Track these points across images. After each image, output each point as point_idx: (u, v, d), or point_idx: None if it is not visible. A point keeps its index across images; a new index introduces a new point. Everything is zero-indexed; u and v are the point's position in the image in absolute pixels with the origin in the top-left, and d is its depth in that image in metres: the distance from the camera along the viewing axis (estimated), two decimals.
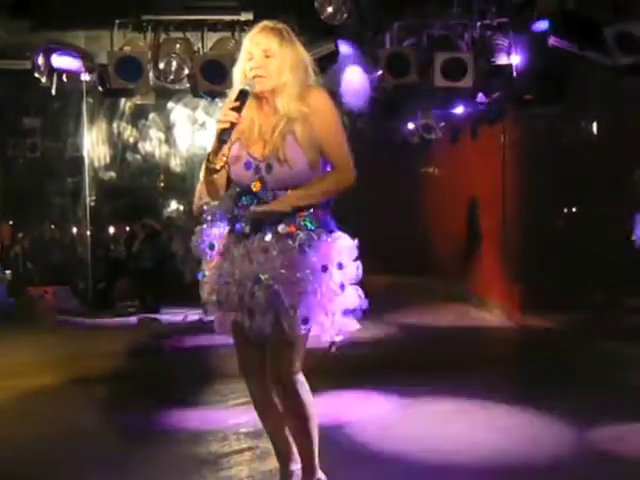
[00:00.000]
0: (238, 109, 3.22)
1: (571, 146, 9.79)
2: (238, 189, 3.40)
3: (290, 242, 3.26)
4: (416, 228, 14.13)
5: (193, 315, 9.39)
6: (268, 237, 3.28)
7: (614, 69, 7.53)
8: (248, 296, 3.27)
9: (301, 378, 3.34)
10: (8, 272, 12.54)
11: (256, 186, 3.30)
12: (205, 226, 3.51)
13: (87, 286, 12.85)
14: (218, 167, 3.30)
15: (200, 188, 3.50)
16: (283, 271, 3.22)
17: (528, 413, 5.42)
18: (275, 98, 3.33)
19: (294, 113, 3.29)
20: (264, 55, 3.30)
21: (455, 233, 13.02)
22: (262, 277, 3.24)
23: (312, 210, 3.31)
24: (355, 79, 8.66)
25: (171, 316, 11.17)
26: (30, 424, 5.48)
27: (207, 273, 3.45)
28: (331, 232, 3.36)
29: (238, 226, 3.37)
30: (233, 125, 3.21)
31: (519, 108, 9.89)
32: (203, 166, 3.36)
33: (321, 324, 3.29)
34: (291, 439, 3.51)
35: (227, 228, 3.45)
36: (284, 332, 3.22)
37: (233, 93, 3.34)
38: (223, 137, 3.21)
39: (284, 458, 3.58)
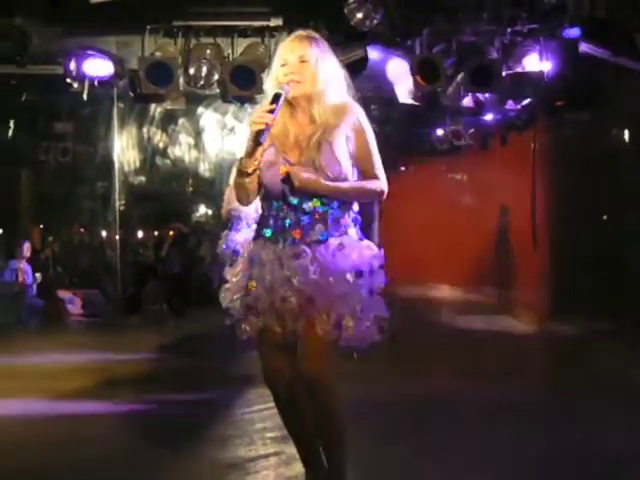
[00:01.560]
0: (273, 111, 3.23)
1: (603, 153, 9.70)
2: (267, 194, 3.39)
3: (323, 247, 3.27)
4: (445, 235, 14.07)
5: None
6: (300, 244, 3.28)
7: None
8: (279, 301, 3.27)
9: (332, 380, 3.33)
10: (39, 275, 12.66)
11: (294, 199, 3.28)
12: (231, 231, 3.53)
13: (116, 290, 12.94)
14: (250, 170, 3.29)
15: (229, 193, 3.51)
16: (316, 276, 3.23)
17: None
18: (311, 107, 3.35)
19: (331, 124, 3.31)
20: (299, 60, 3.33)
21: (484, 240, 12.97)
22: (294, 281, 3.23)
23: (343, 219, 3.34)
24: (398, 68, 8.61)
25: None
26: (60, 427, 5.52)
27: (233, 279, 3.44)
28: (361, 238, 3.39)
29: (266, 232, 3.36)
30: (268, 127, 3.22)
31: (550, 115, 9.83)
32: (234, 170, 3.37)
33: (349, 329, 3.28)
34: (318, 444, 3.49)
35: (253, 234, 3.43)
36: (317, 335, 3.22)
37: (266, 100, 3.35)
38: (259, 138, 3.21)
39: (310, 464, 3.57)
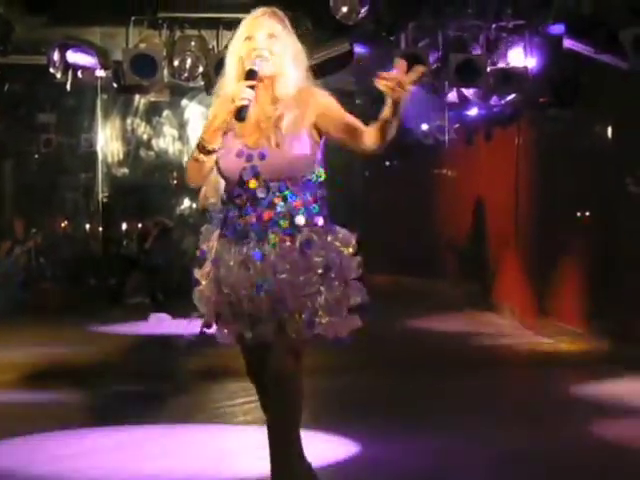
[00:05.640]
0: (253, 87, 3.04)
1: (586, 149, 9.74)
2: (226, 185, 3.20)
3: (289, 243, 3.11)
4: (428, 230, 14.11)
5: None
6: (265, 245, 3.11)
7: (630, 73, 7.51)
8: (248, 304, 3.12)
9: (299, 381, 3.19)
10: (21, 267, 12.61)
11: (252, 183, 3.09)
12: (211, 225, 3.37)
13: (98, 282, 12.91)
14: (211, 147, 3.10)
15: (206, 187, 3.35)
16: (284, 276, 3.08)
17: None
18: (274, 87, 3.17)
19: (293, 106, 3.13)
20: (268, 36, 3.13)
21: (466, 235, 13.01)
22: (262, 284, 3.09)
23: (308, 207, 3.15)
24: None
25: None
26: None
27: (204, 282, 3.28)
28: (329, 228, 3.21)
29: (229, 231, 3.19)
30: (250, 103, 3.03)
31: (533, 111, 9.87)
32: (194, 146, 3.17)
33: (326, 325, 3.14)
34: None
35: (217, 231, 3.26)
36: (288, 337, 3.09)
37: (231, 69, 3.18)
38: (241, 115, 3.03)
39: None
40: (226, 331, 3.26)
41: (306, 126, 3.14)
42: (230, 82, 3.18)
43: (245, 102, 3.02)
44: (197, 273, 3.31)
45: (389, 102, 2.95)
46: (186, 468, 4.34)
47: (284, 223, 3.12)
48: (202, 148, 3.11)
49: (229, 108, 3.05)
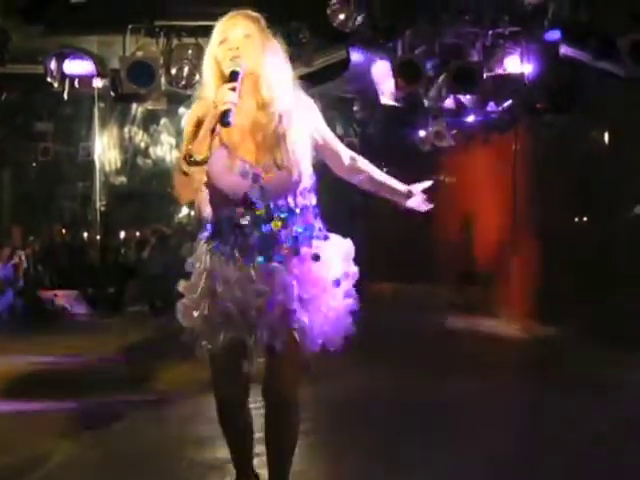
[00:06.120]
0: (235, 90, 2.86)
1: (582, 154, 9.77)
2: (224, 202, 3.04)
3: (296, 260, 3.04)
4: (426, 236, 14.10)
5: None
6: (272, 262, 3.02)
7: (627, 79, 7.53)
8: (255, 314, 3.01)
9: (298, 397, 3.16)
10: (19, 275, 12.61)
11: (260, 203, 2.98)
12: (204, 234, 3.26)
13: (97, 290, 12.90)
14: (200, 158, 2.88)
15: (199, 198, 3.23)
16: (295, 291, 3.01)
17: None
18: (258, 90, 3.03)
19: (285, 112, 3.01)
20: (244, 37, 2.99)
21: (462, 241, 13.05)
22: (272, 298, 3.00)
23: (309, 217, 3.09)
24: (384, 71, 8.66)
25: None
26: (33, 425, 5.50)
27: (192, 296, 3.14)
28: (330, 238, 3.16)
29: (226, 248, 3.06)
30: (234, 106, 2.84)
31: (530, 117, 9.89)
32: (179, 160, 2.93)
33: (330, 335, 3.14)
34: (252, 453, 3.41)
35: (208, 246, 3.12)
36: (296, 350, 3.04)
37: (209, 73, 3.04)
38: (226, 120, 2.82)
39: (244, 470, 3.49)
40: (211, 345, 3.14)
41: (309, 141, 3.06)
42: (209, 87, 3.04)
43: (229, 106, 2.83)
44: (181, 286, 3.18)
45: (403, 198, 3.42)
46: None
47: (288, 239, 3.04)
48: (190, 160, 2.88)
49: (213, 114, 2.86)
